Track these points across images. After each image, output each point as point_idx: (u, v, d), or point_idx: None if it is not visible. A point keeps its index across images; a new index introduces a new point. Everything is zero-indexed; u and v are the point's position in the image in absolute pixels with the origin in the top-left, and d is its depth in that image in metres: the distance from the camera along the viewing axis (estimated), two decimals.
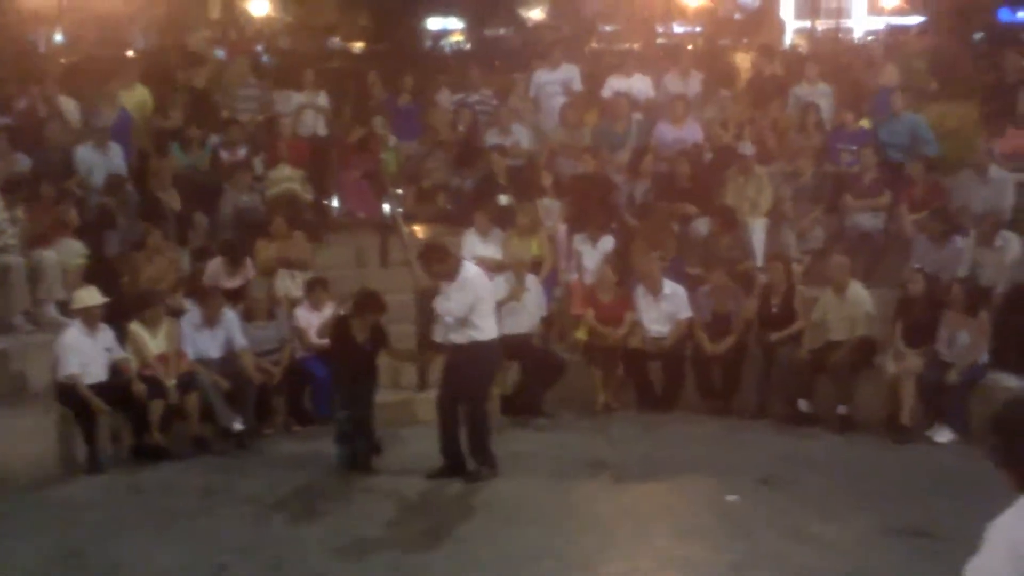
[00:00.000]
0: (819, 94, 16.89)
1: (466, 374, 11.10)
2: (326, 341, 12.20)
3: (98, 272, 13.21)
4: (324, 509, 10.48)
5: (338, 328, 11.72)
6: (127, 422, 12.03)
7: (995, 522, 3.84)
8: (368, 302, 11.50)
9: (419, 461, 11.49)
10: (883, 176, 14.95)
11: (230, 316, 12.91)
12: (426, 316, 12.99)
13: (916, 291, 12.72)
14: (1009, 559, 3.74)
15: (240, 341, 12.77)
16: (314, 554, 9.38)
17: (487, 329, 11.03)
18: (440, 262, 11.12)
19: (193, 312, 12.93)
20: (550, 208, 15.21)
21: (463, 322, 10.93)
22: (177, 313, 12.86)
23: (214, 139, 16.27)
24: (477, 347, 11.02)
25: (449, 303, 10.96)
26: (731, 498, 10.45)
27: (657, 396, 13.62)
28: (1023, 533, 3.74)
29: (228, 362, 12.68)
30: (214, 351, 12.74)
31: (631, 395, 13.72)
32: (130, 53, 22.88)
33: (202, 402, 12.25)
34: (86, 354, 11.77)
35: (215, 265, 14.01)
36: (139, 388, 11.84)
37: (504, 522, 9.97)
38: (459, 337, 11.02)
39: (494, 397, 12.70)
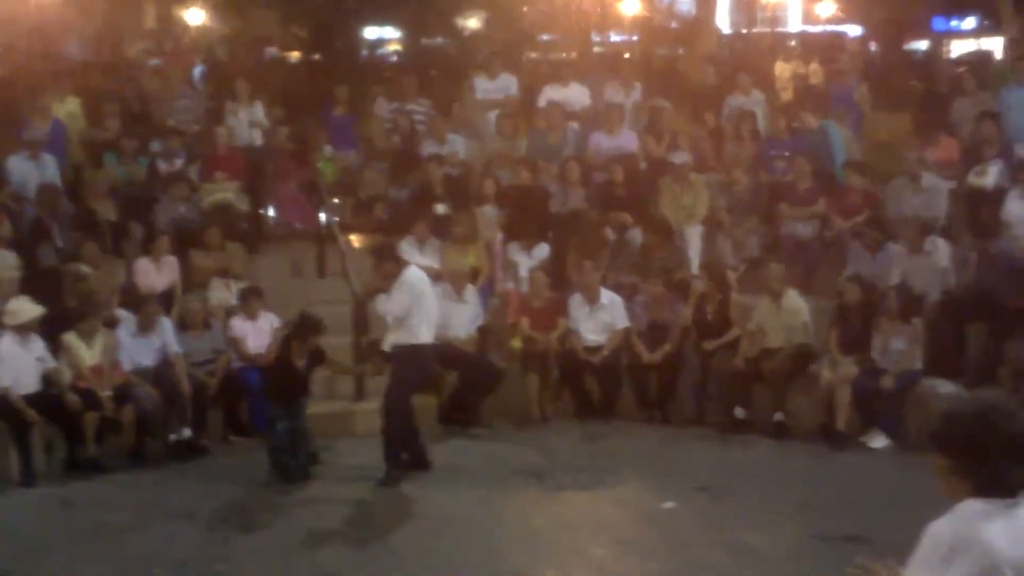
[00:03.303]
0: (753, 103, 16.95)
1: (394, 375, 11.25)
2: (262, 352, 12.15)
3: (33, 284, 13.07)
4: (257, 521, 10.39)
5: (279, 350, 11.68)
6: (61, 434, 11.91)
7: (930, 528, 3.85)
8: (308, 326, 11.48)
9: (354, 472, 11.49)
10: (817, 184, 15.03)
11: (165, 323, 12.84)
12: (363, 326, 12.98)
13: (852, 300, 12.79)
14: (942, 565, 3.75)
15: (175, 347, 12.68)
16: (246, 567, 9.31)
17: (421, 334, 11.14)
18: (394, 261, 11.33)
19: (129, 320, 12.83)
20: (489, 217, 15.19)
21: (399, 323, 11.05)
22: (112, 324, 12.74)
23: (156, 146, 16.15)
24: (408, 350, 11.15)
25: (390, 303, 11.08)
26: (668, 505, 10.49)
27: (594, 405, 13.61)
28: (958, 539, 3.75)
29: (162, 371, 12.58)
30: (149, 359, 12.64)
31: (568, 404, 13.72)
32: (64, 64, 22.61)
33: (138, 414, 12.13)
34: (18, 365, 11.66)
35: (142, 264, 13.97)
36: (72, 400, 11.71)
37: (437, 533, 9.93)
38: (394, 338, 11.15)
39: (430, 406, 12.72)
